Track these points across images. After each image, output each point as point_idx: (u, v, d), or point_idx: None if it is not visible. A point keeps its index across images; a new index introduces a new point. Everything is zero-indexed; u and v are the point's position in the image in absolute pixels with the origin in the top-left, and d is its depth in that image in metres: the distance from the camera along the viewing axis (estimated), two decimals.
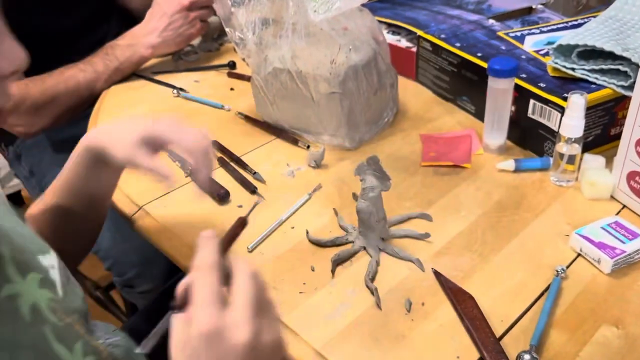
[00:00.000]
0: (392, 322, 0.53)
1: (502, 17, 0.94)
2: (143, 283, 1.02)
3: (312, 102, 0.76)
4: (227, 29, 0.79)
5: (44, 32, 1.10)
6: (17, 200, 1.89)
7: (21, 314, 0.39)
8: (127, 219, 0.71)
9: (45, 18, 1.09)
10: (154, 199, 0.72)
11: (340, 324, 0.53)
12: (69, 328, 0.43)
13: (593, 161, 0.68)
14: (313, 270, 0.60)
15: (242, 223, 0.49)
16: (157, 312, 0.84)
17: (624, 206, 0.65)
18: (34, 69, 1.03)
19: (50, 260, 0.46)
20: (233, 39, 0.79)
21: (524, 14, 0.95)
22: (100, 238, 1.03)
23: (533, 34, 0.86)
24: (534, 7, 0.97)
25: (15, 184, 1.92)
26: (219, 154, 0.79)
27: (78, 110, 1.06)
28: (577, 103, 0.63)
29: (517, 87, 0.73)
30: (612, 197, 0.66)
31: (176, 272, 1.01)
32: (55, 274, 0.45)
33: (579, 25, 0.80)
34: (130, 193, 0.74)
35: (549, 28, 0.87)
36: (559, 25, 0.87)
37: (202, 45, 1.14)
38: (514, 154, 0.76)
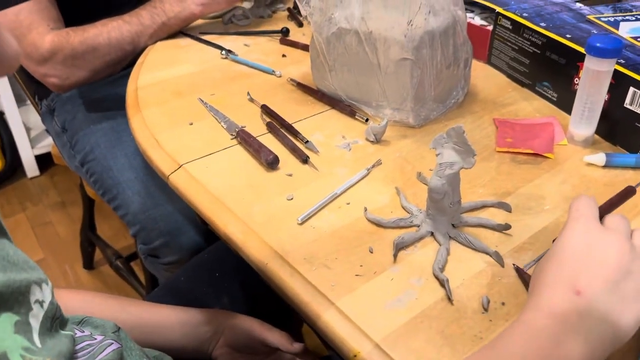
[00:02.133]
0: (466, 321, 0.45)
1: (591, 1, 0.85)
2: (169, 254, 0.95)
3: (378, 69, 0.68)
4: None
5: None
6: (46, 161, 1.85)
7: None
8: (164, 178, 0.64)
9: None
10: (196, 158, 0.65)
11: (404, 316, 0.45)
12: None
13: None
14: (371, 252, 0.52)
15: (629, 192, 0.49)
16: (178, 288, 0.77)
17: None
18: (79, 20, 0.99)
19: (44, 294, 0.37)
20: None
21: (615, 1, 0.86)
22: (129, 201, 0.97)
23: (628, 20, 0.76)
24: None
25: (45, 144, 1.88)
26: (268, 119, 0.72)
27: (118, 67, 1.00)
28: None
29: (616, 73, 0.63)
30: None
31: (203, 246, 0.94)
32: (37, 316, 0.36)
33: None
34: (170, 151, 0.67)
35: None
36: None
37: (254, 10, 1.07)
38: (602, 148, 0.67)
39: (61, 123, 1.13)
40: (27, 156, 1.90)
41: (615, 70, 0.63)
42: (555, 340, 0.38)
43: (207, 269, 0.79)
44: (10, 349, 0.31)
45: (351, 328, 0.45)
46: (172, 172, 0.64)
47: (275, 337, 0.62)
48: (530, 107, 0.76)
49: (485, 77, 0.83)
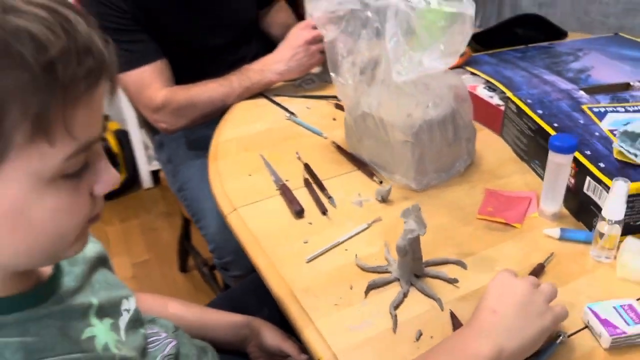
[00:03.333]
0: (401, 346, 0.64)
1: (595, 90, 0.98)
2: (236, 269, 1.21)
3: (389, 145, 0.88)
4: (331, 73, 0.94)
5: (196, 48, 1.34)
6: (159, 176, 2.23)
7: (97, 350, 0.53)
8: (224, 216, 0.89)
9: (200, 37, 1.33)
10: (247, 203, 0.89)
11: (360, 337, 0.65)
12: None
13: (633, 244, 0.71)
14: (351, 289, 0.72)
15: (540, 268, 0.72)
16: (235, 297, 1.00)
17: None
18: (184, 78, 1.28)
19: (130, 304, 0.63)
20: (335, 82, 0.93)
21: (619, 90, 0.98)
22: (209, 225, 1.24)
23: (617, 111, 0.89)
24: (631, 83, 0.99)
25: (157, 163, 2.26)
26: (306, 176, 0.94)
27: (212, 117, 1.28)
28: (619, 188, 0.68)
29: (579, 162, 0.78)
30: None
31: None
32: (124, 320, 0.60)
33: None
34: (231, 195, 0.91)
35: (634, 108, 0.89)
36: None
37: (321, 75, 1.30)
38: (566, 222, 0.81)
39: (167, 155, 1.44)
40: (144, 171, 2.28)
41: (579, 161, 0.78)
42: (468, 341, 0.57)
43: (256, 285, 1.03)
44: (109, 341, 0.56)
45: (321, 340, 0.65)
46: (229, 213, 0.88)
47: (288, 346, 0.83)
48: (522, 180, 0.91)
49: (494, 149, 0.99)
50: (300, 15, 1.73)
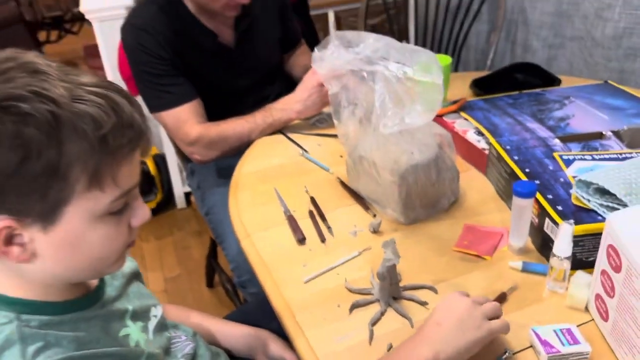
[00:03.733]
0: (374, 355, 0.77)
1: (569, 138, 1.10)
2: (251, 286, 1.36)
3: (380, 184, 1.02)
4: (334, 120, 1.09)
5: (225, 88, 1.52)
6: (188, 199, 2.42)
7: (130, 345, 0.69)
8: (239, 241, 1.04)
9: (230, 81, 1.51)
10: (259, 231, 1.04)
11: (342, 346, 0.79)
12: (157, 356, 0.73)
13: (582, 277, 0.83)
14: (339, 307, 0.86)
15: (503, 296, 0.85)
16: (249, 311, 1.16)
17: (592, 319, 0.80)
18: (214, 114, 1.46)
19: (157, 311, 0.79)
20: (337, 127, 1.09)
21: (592, 139, 1.09)
22: (231, 246, 1.41)
23: (584, 159, 1.01)
24: (604, 132, 1.10)
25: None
26: (312, 208, 1.09)
27: (239, 150, 1.45)
28: (565, 229, 0.80)
29: (541, 205, 0.91)
30: (586, 309, 0.81)
31: None
32: (152, 324, 0.76)
33: (627, 159, 0.95)
34: (245, 221, 1.07)
35: (601, 157, 1.01)
36: (612, 156, 1.01)
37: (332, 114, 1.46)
38: (531, 256, 0.93)
39: (197, 182, 1.62)
40: (179, 192, 2.47)
41: (540, 204, 0.91)
42: (413, 347, 0.71)
43: (268, 302, 1.18)
44: (140, 340, 0.72)
45: (309, 348, 0.79)
46: (243, 239, 1.04)
47: (290, 356, 0.97)
48: (499, 218, 1.04)
49: (478, 187, 1.12)
50: None
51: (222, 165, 1.57)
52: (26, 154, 0.53)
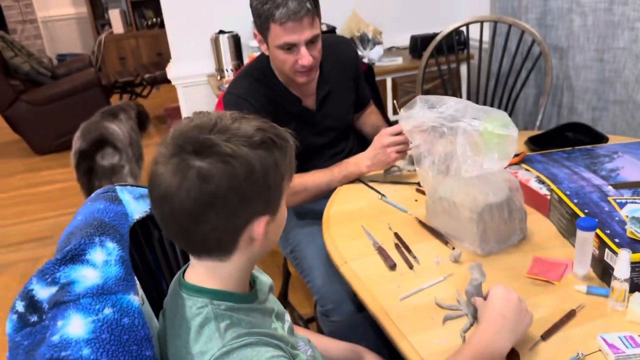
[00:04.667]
0: None
1: (621, 185, 1.27)
2: (335, 315, 1.53)
3: (459, 221, 1.21)
4: (417, 167, 1.30)
5: (307, 145, 1.75)
6: None
7: (281, 338, 0.87)
8: (337, 267, 1.24)
9: (310, 138, 1.75)
10: (354, 259, 1.24)
11: (441, 348, 0.96)
12: (293, 346, 0.91)
13: (639, 297, 0.99)
14: (432, 319, 1.04)
15: (572, 313, 1.02)
16: (339, 334, 1.33)
17: None
18: (297, 167, 1.68)
19: (288, 317, 0.99)
20: (419, 173, 1.29)
21: (638, 186, 1.27)
22: (315, 278, 1.60)
23: (635, 202, 1.19)
24: None
25: None
26: (397, 242, 1.28)
27: (318, 198, 1.66)
28: (624, 255, 0.97)
29: (601, 239, 1.08)
30: None
31: (355, 312, 1.50)
32: (286, 326, 0.96)
33: None
34: (343, 252, 1.27)
35: None
36: None
37: (405, 165, 1.67)
38: (593, 282, 1.10)
39: None
40: None
41: (601, 238, 1.08)
42: (492, 340, 0.89)
43: (356, 325, 1.35)
44: (284, 334, 0.91)
45: (412, 349, 0.97)
46: (341, 265, 1.23)
47: None
48: (563, 252, 1.21)
49: (542, 227, 1.30)
50: (386, 117, 2.13)
51: (300, 210, 1.79)
52: (277, 172, 0.82)
